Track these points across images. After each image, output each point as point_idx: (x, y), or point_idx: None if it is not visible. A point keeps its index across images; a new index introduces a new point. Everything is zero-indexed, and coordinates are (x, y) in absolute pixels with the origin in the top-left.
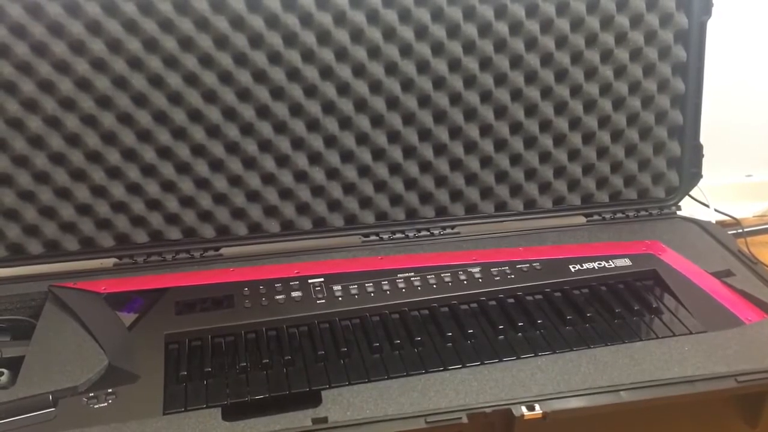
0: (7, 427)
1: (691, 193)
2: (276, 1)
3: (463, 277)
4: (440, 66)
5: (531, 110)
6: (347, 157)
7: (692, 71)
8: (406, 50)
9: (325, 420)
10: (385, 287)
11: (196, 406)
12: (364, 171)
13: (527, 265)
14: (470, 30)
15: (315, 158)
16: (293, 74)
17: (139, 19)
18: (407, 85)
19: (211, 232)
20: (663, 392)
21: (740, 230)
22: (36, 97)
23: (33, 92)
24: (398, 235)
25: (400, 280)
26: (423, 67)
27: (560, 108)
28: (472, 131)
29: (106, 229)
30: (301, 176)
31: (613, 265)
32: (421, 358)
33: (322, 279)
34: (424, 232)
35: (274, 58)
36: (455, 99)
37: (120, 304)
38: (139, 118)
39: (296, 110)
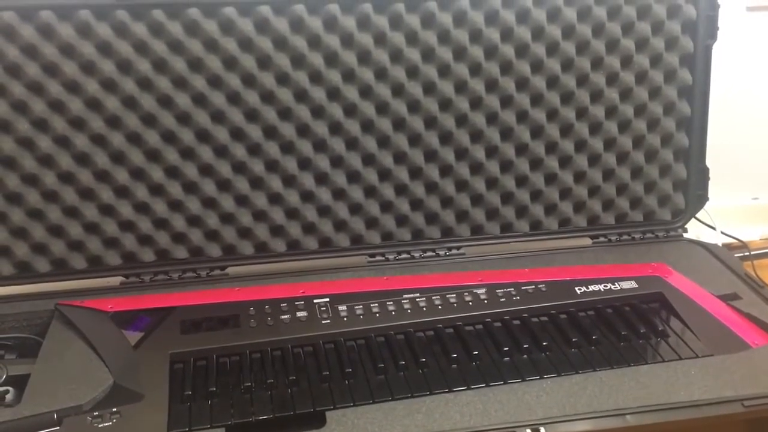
0: None
1: (697, 215)
2: (284, 24)
3: (468, 299)
4: (447, 88)
5: (537, 132)
6: (354, 177)
7: (698, 94)
8: (412, 72)
9: None
10: (391, 308)
11: (201, 426)
12: (370, 191)
13: (533, 286)
14: (476, 52)
15: (321, 179)
16: (301, 95)
17: (149, 41)
18: (413, 106)
19: (217, 252)
20: (669, 416)
21: (747, 253)
22: (46, 116)
23: (43, 112)
24: (404, 256)
25: (405, 301)
26: (429, 88)
27: (566, 130)
28: (478, 152)
29: (114, 247)
30: (307, 196)
31: (619, 288)
32: (426, 379)
33: (328, 299)
34: (429, 253)
35: (282, 79)
36: (461, 121)
37: (126, 323)
38: (147, 138)
39: (303, 131)
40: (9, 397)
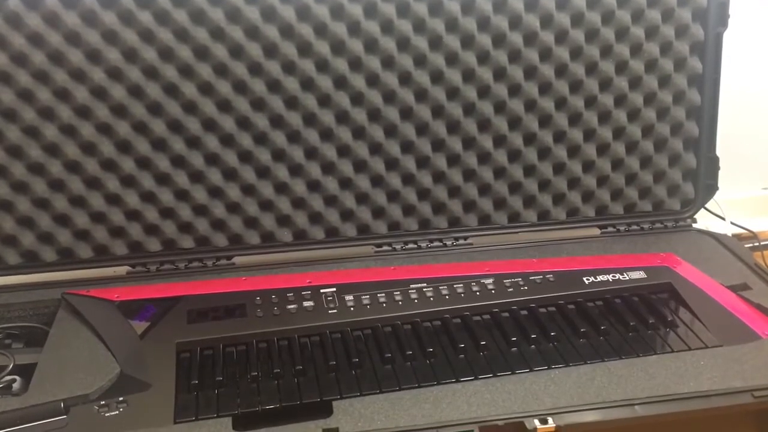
0: None
1: (706, 205)
2: (291, 11)
3: (475, 289)
4: (454, 76)
5: (545, 121)
6: (360, 166)
7: (708, 83)
8: (420, 60)
9: (336, 431)
10: (398, 298)
11: (207, 415)
12: (377, 181)
13: (541, 276)
14: (484, 40)
15: (328, 168)
16: (307, 84)
17: (154, 29)
18: (421, 95)
19: (223, 241)
20: (678, 407)
21: (756, 243)
22: (52, 105)
23: (49, 100)
24: (411, 246)
25: (412, 291)
26: (437, 77)
27: (575, 119)
28: (486, 142)
29: (120, 237)
30: (314, 186)
31: (627, 278)
32: (433, 369)
33: (335, 289)
34: (436, 243)
35: (288, 68)
36: (469, 109)
37: (132, 312)
38: (153, 127)
39: (310, 120)
40: (16, 385)
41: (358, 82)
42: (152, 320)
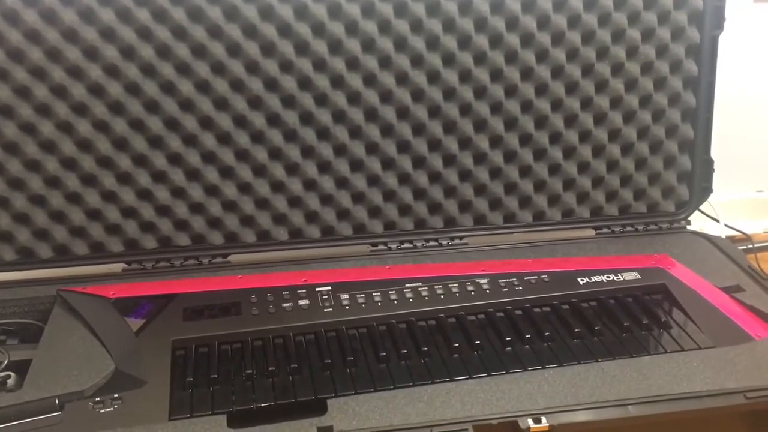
0: (13, 431)
1: (701, 207)
2: (289, 10)
3: (470, 288)
4: (451, 77)
5: (541, 122)
6: (356, 166)
7: (703, 85)
8: (417, 60)
9: (330, 429)
10: (393, 297)
11: (202, 412)
12: (373, 180)
13: (535, 277)
14: (481, 41)
15: (324, 167)
16: (304, 83)
17: (152, 26)
18: (417, 95)
19: (219, 239)
20: (671, 407)
21: (750, 246)
22: (49, 102)
23: (46, 97)
24: (406, 245)
25: (407, 290)
26: (434, 77)
27: (571, 120)
28: (482, 142)
29: (116, 234)
30: (310, 185)
31: (621, 279)
32: (428, 368)
33: (330, 287)
34: (432, 243)
35: (286, 66)
36: (465, 110)
37: (128, 310)
38: (150, 125)
39: (307, 119)
40: (11, 382)
41: (355, 81)
42: (148, 317)
